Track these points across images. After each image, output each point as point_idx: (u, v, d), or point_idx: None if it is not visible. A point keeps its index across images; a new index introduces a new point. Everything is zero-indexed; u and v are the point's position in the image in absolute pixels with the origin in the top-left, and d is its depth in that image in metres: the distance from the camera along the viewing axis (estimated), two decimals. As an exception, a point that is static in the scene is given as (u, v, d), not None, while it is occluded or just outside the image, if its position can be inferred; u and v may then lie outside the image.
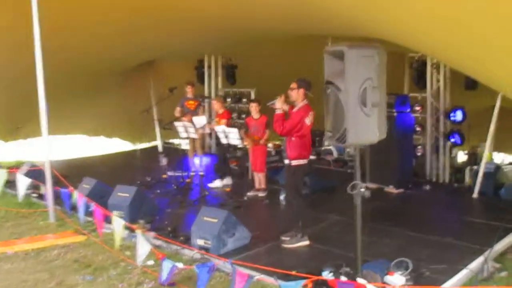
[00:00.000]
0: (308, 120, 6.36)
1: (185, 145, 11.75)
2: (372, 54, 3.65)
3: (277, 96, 6.49)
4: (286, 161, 6.50)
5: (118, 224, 6.15)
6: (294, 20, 8.41)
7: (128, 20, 8.86)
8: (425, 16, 5.30)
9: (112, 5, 8.13)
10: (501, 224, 6.76)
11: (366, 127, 3.75)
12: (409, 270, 4.83)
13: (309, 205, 7.00)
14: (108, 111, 14.23)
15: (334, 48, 3.82)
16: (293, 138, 6.36)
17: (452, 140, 9.58)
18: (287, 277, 4.65)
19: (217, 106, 9.90)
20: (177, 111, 10.25)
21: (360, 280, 3.98)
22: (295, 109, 6.48)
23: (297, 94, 6.42)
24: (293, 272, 4.81)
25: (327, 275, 4.42)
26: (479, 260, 5.71)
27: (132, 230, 6.56)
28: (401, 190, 9.07)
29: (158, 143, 14.32)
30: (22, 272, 5.79)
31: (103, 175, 9.47)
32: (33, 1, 7.25)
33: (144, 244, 5.74)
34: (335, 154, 11.74)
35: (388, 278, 4.77)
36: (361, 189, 4.24)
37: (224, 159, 10.04)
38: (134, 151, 15.23)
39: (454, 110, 9.45)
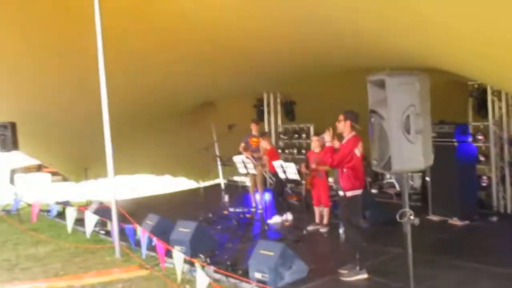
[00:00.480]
0: (357, 151, 6.42)
1: (248, 181, 11.97)
2: (413, 81, 3.70)
3: (326, 130, 6.63)
4: (341, 193, 6.54)
5: (178, 258, 6.34)
6: (351, 53, 8.54)
7: (190, 63, 9.29)
8: (484, 44, 5.26)
9: (172, 50, 8.58)
10: None
11: (411, 154, 3.76)
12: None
13: (369, 237, 6.96)
14: (173, 150, 14.71)
15: (375, 77, 3.90)
16: (344, 170, 6.44)
17: (519, 168, 9.26)
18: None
19: (264, 143, 10.07)
20: (241, 147, 10.53)
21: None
22: (344, 141, 6.57)
23: (343, 126, 6.54)
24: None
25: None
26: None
27: (192, 264, 6.73)
28: (466, 222, 8.80)
29: (220, 180, 14.61)
30: (89, 305, 6.08)
31: (166, 212, 9.79)
32: (98, 44, 7.76)
33: (203, 278, 5.88)
34: (397, 187, 11.58)
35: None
36: (410, 216, 4.16)
37: (282, 194, 10.12)
38: (198, 189, 15.62)
39: (518, 137, 9.16)
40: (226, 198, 12.17)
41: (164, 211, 9.84)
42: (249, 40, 8.22)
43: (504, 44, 4.71)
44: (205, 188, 15.53)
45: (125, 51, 8.57)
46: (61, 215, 10.46)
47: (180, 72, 9.84)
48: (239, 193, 11.62)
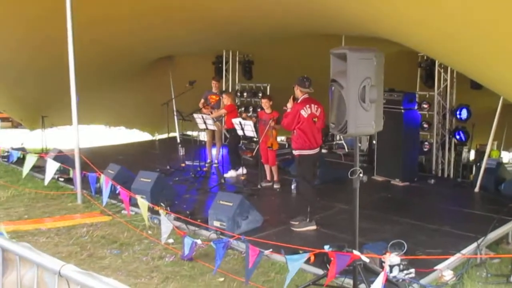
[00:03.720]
0: (304, 112, 6.96)
1: (202, 136, 12.36)
2: (371, 57, 4.23)
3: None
4: (293, 152, 7.17)
5: (143, 205, 6.80)
6: (307, 19, 8.95)
7: (149, 17, 9.44)
8: (429, 20, 5.80)
9: (135, 4, 8.74)
10: (498, 215, 7.21)
11: (364, 120, 4.33)
12: (404, 251, 5.38)
13: (318, 194, 7.59)
14: (129, 103, 14.92)
15: (338, 50, 4.39)
16: (295, 131, 7.01)
17: (457, 137, 10.09)
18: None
19: (226, 100, 10.46)
20: (201, 103, 10.88)
21: (355, 252, 4.56)
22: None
23: (296, 91, 7.12)
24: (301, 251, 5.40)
25: (328, 249, 5.00)
26: (473, 246, 6.25)
27: (154, 212, 7.20)
28: (406, 183, 9.61)
29: (176, 134, 14.96)
30: (56, 245, 6.47)
31: (124, 162, 10.03)
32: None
33: (167, 224, 6.39)
34: (346, 148, 12.31)
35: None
36: (360, 174, 4.76)
37: (236, 150, 10.61)
38: (153, 141, 15.99)
39: (460, 108, 9.96)
40: (182, 151, 12.61)
41: (121, 162, 10.12)
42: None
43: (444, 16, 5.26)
44: (161, 141, 15.93)
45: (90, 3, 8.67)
46: (18, 161, 10.62)
47: (140, 25, 9.94)
48: (193, 147, 11.98)
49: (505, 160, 11.62)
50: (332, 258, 4.50)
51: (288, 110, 7.10)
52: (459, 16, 5.02)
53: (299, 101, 7.06)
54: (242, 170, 10.28)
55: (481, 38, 5.13)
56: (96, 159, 10.79)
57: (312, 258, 4.66)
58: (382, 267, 5.27)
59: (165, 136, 15.98)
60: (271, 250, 5.16)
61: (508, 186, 8.87)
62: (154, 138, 16.51)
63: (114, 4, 8.79)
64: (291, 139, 7.20)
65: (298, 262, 4.58)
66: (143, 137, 16.99)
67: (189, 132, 16.07)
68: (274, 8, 8.35)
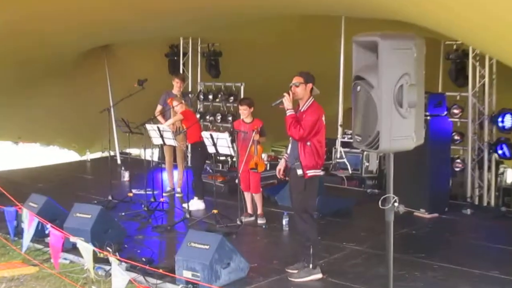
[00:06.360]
0: (324, 119, 6.94)
1: (148, 156, 12.26)
2: (410, 46, 4.30)
3: (284, 94, 6.88)
4: (299, 172, 6.87)
5: (86, 250, 6.72)
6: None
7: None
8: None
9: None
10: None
11: (401, 131, 4.40)
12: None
13: (320, 231, 7.64)
14: (50, 111, 14.76)
15: (365, 38, 4.43)
16: (308, 143, 6.84)
17: (500, 152, 10.27)
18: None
19: (178, 106, 10.37)
20: (157, 111, 10.81)
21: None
22: (304, 108, 6.96)
23: (304, 91, 6.93)
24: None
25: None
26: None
27: (98, 260, 7.11)
28: (435, 215, 9.79)
29: (116, 152, 14.82)
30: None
31: (47, 192, 9.72)
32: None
33: (121, 276, 6.33)
34: (350, 169, 12.39)
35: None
36: (395, 203, 4.83)
37: (200, 173, 10.61)
38: (83, 162, 15.84)
39: (502, 114, 10.15)
40: (126, 176, 12.54)
41: (43, 191, 9.88)
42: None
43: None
44: (93, 161, 15.83)
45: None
46: None
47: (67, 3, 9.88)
48: (142, 170, 11.83)
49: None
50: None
51: (290, 112, 6.88)
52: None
53: (311, 104, 6.94)
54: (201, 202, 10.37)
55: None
56: (7, 188, 10.55)
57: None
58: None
59: (100, 155, 15.93)
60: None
61: None
62: (84, 158, 16.37)
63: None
64: (301, 155, 6.87)
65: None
66: (67, 157, 16.84)
67: (128, 150, 16.08)
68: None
